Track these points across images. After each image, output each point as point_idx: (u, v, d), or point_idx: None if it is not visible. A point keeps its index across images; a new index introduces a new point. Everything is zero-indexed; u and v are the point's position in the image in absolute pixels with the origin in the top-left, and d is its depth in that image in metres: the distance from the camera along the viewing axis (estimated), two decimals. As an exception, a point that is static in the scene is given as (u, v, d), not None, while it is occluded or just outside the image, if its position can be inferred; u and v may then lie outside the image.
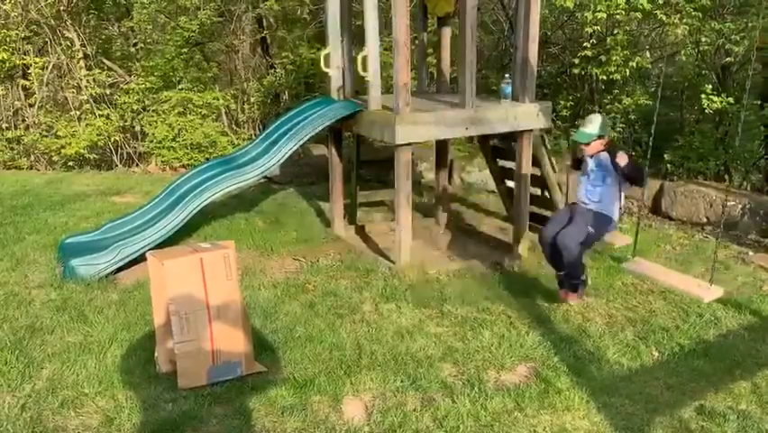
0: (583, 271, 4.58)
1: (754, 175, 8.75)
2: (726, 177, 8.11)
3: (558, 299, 4.67)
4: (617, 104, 8.69)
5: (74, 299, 4.61)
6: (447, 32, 6.61)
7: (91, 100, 9.95)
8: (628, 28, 8.53)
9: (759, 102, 8.16)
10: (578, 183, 4.75)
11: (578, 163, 4.79)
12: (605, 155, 4.48)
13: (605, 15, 7.95)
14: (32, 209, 6.86)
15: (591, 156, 4.55)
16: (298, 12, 10.53)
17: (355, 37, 6.31)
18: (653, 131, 4.40)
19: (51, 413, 3.28)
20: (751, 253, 5.81)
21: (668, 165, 8.14)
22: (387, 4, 7.50)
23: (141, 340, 4.03)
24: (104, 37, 10.83)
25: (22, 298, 4.66)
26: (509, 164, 6.30)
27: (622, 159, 4.26)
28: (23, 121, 10.23)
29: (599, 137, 4.46)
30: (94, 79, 9.89)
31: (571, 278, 4.53)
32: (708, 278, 4.06)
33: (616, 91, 8.79)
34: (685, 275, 4.38)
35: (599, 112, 4.85)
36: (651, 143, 4.65)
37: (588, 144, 4.49)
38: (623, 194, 4.61)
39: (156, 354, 3.72)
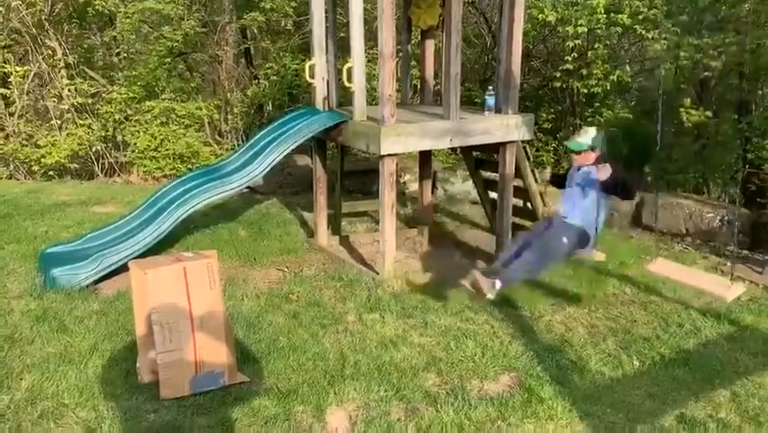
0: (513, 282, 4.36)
1: (732, 188, 8.89)
2: (705, 189, 8.24)
3: (476, 280, 4.21)
4: (597, 117, 8.81)
5: (54, 309, 4.56)
6: (431, 45, 6.68)
7: (73, 110, 9.88)
8: (609, 42, 8.68)
9: (736, 116, 8.31)
10: (562, 196, 4.69)
11: (563, 180, 4.71)
12: (592, 170, 4.29)
13: (586, 30, 8.10)
14: (12, 219, 6.78)
15: (579, 168, 4.48)
16: (282, 23, 10.56)
17: (340, 48, 6.35)
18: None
19: (31, 424, 3.23)
20: (729, 264, 5.89)
21: (648, 178, 8.25)
22: (371, 16, 7.56)
23: (122, 350, 3.99)
24: (86, 46, 10.76)
25: (1, 308, 4.59)
26: (492, 175, 6.35)
27: (603, 172, 4.13)
28: (3, 130, 10.11)
29: (591, 149, 4.40)
30: (75, 89, 9.82)
31: (511, 273, 4.29)
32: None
33: (597, 104, 8.91)
34: (706, 274, 4.41)
35: (597, 126, 4.79)
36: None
37: (578, 154, 4.44)
38: (605, 212, 4.47)
39: (138, 365, 3.68)
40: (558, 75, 8.70)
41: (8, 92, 9.97)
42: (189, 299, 3.44)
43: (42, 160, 9.57)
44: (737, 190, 8.19)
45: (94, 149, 9.98)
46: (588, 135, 4.46)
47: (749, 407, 3.56)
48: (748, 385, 3.80)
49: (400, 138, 5.12)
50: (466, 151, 6.57)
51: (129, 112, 9.91)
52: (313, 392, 3.56)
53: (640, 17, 7.88)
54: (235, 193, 5.90)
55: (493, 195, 6.40)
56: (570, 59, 8.45)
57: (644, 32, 8.03)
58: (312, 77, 5.91)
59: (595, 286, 5.28)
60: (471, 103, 8.72)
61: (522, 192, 6.13)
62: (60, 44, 10.02)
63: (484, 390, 3.69)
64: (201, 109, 9.94)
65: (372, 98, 6.61)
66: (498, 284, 4.22)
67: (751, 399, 3.65)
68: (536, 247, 4.33)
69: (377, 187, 5.38)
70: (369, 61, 7.61)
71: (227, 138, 10.56)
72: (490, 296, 4.22)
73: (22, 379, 3.65)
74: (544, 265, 4.41)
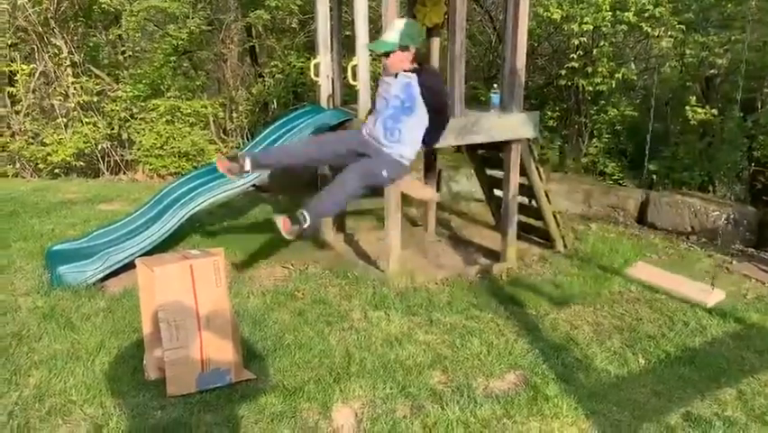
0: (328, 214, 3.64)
1: (737, 186, 8.86)
2: (711, 187, 8.21)
3: (277, 224, 3.66)
4: (603, 115, 8.79)
5: (61, 306, 4.58)
6: (436, 43, 6.66)
7: (78, 108, 9.91)
8: (614, 40, 8.65)
9: (741, 114, 8.29)
10: (374, 113, 3.78)
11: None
12: (413, 78, 3.46)
13: (591, 27, 8.08)
14: (18, 217, 6.81)
15: (396, 76, 3.53)
16: (287, 21, 10.57)
17: (345, 46, 6.35)
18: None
19: (39, 421, 3.25)
20: (735, 263, 5.89)
21: (653, 175, 8.24)
22: (376, 14, 7.55)
23: (129, 348, 4.01)
24: (91, 45, 10.79)
25: (8, 305, 4.61)
26: (497, 174, 6.34)
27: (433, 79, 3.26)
28: (9, 128, 10.14)
29: (403, 48, 3.44)
30: (81, 87, 9.85)
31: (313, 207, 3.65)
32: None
33: (602, 102, 8.89)
34: (687, 279, 4.41)
35: (408, 18, 3.90)
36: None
37: (388, 57, 3.50)
38: (421, 133, 3.61)
39: (144, 362, 3.70)
40: (563, 73, 8.68)
41: (14, 90, 10.00)
42: (196, 296, 3.45)
43: (48, 158, 9.60)
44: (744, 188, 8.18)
45: (99, 147, 10.00)
46: (395, 30, 3.46)
47: (755, 405, 3.56)
48: (754, 384, 3.80)
49: (405, 136, 5.11)
50: (471, 149, 6.57)
51: (134, 110, 9.93)
52: (319, 390, 3.57)
53: (646, 15, 7.86)
54: (241, 191, 5.91)
55: (498, 193, 6.39)
56: (575, 56, 8.43)
57: (649, 30, 8.00)
58: (317, 75, 5.92)
59: (600, 283, 5.28)
60: (477, 101, 8.71)
61: (527, 190, 6.12)
62: (66, 42, 10.04)
63: (489, 387, 3.69)
64: (206, 107, 9.95)
65: (377, 96, 6.62)
66: (292, 227, 3.59)
67: (757, 397, 3.65)
68: (352, 176, 3.65)
69: (382, 185, 5.37)
70: (373, 59, 7.60)
71: (232, 136, 10.57)
72: (291, 232, 3.60)
73: (29, 376, 3.67)
74: (353, 194, 3.75)
